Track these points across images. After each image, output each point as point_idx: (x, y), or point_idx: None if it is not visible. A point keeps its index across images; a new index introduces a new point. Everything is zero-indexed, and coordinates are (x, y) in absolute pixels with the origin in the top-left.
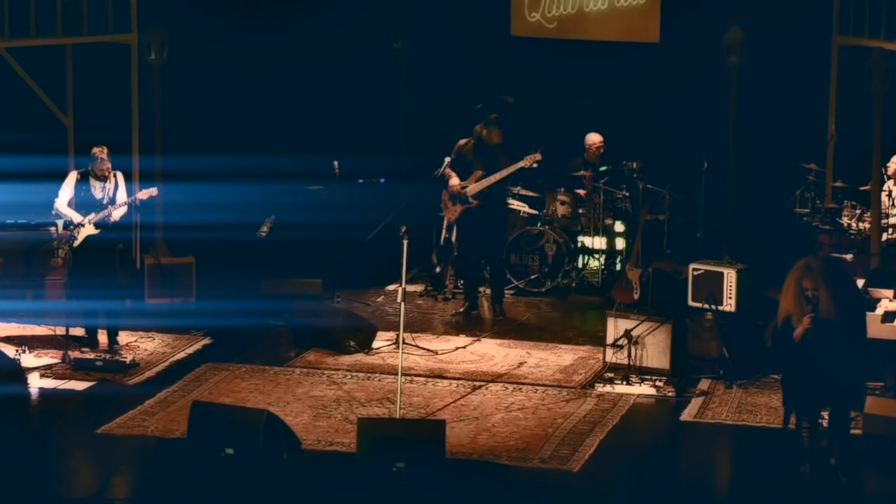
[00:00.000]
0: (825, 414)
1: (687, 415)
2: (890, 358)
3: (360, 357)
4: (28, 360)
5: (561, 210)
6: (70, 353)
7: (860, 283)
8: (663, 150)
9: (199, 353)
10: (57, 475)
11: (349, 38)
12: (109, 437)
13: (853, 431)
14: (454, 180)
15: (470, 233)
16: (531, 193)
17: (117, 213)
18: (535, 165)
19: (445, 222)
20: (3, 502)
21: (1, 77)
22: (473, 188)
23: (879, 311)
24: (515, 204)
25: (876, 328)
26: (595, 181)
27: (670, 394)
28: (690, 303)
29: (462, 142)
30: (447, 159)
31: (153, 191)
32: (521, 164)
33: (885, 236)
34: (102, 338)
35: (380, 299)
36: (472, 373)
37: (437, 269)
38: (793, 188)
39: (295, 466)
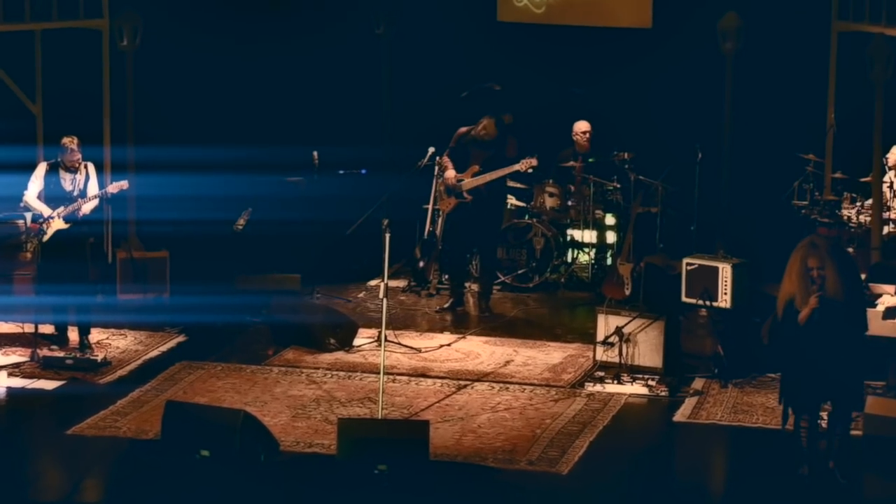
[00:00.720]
0: (824, 415)
1: (680, 415)
2: (891, 356)
3: (340, 355)
4: None
5: (549, 202)
6: (39, 351)
7: (861, 277)
8: (656, 139)
9: (173, 351)
10: (26, 478)
11: (329, 24)
12: (80, 438)
13: (853, 432)
14: (450, 172)
15: (461, 227)
16: (519, 185)
17: (87, 207)
18: (530, 171)
19: (430, 214)
20: None
21: None
22: (468, 183)
23: (880, 307)
24: None
25: (877, 325)
26: (585, 172)
27: (663, 393)
28: (684, 299)
29: (463, 130)
30: (431, 149)
31: (123, 184)
32: (516, 166)
33: (886, 229)
34: (73, 335)
35: (361, 295)
36: (456, 371)
37: (421, 264)
38: (790, 179)
39: (273, 469)
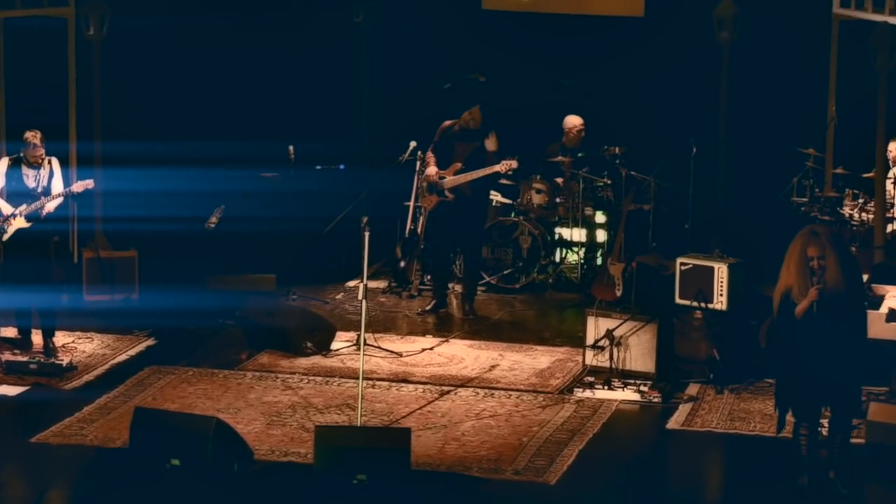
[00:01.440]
0: (825, 422)
1: (674, 422)
2: (894, 360)
3: (317, 359)
4: None
5: (537, 199)
6: (1, 355)
7: (864, 278)
8: (648, 133)
9: (142, 355)
10: None
11: (306, 12)
12: (45, 446)
13: (855, 440)
14: (432, 168)
15: (444, 225)
16: (504, 181)
17: (51, 205)
18: (509, 173)
19: (411, 212)
20: None
21: None
22: (450, 181)
23: (884, 309)
24: None
25: (880, 328)
26: (574, 168)
27: (656, 399)
28: (678, 300)
29: (447, 123)
30: (412, 143)
31: (89, 183)
32: (496, 167)
33: (889, 228)
34: (37, 338)
35: (339, 296)
36: (439, 377)
37: (402, 264)
38: (789, 175)
39: (246, 479)
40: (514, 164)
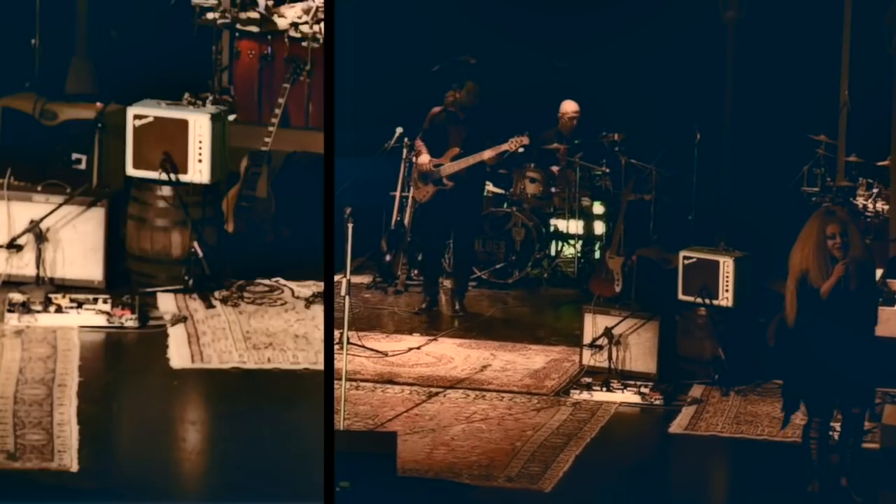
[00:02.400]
0: (836, 426)
1: (677, 426)
2: None
3: None
4: None
5: (530, 189)
6: None
7: (878, 273)
8: (649, 119)
9: None
10: None
11: None
12: None
13: (870, 445)
14: (424, 157)
15: (438, 216)
16: (502, 170)
17: None
18: (520, 150)
19: (397, 202)
20: None
21: None
22: (448, 168)
23: None
24: None
25: (895, 325)
26: (570, 155)
27: (657, 402)
28: (680, 296)
29: (436, 110)
30: (398, 130)
31: None
32: (504, 146)
33: None
34: None
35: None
36: (427, 377)
37: (388, 258)
38: (799, 164)
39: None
40: (525, 139)
